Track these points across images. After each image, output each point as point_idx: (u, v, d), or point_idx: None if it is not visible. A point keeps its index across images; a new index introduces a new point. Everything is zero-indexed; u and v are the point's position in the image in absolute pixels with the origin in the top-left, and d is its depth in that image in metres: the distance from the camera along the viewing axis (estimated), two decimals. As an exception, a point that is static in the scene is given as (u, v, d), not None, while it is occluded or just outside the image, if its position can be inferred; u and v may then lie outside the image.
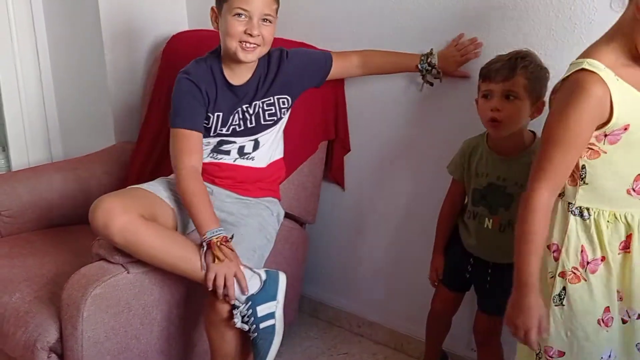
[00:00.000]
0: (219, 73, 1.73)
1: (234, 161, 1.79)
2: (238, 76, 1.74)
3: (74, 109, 2.56)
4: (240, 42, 1.65)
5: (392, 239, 2.13)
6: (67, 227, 2.15)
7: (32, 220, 2.12)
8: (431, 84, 1.84)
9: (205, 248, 1.57)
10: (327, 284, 2.34)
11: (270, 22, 1.67)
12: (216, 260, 1.54)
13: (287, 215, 2.01)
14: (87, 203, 2.16)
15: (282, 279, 1.64)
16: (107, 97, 2.37)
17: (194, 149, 1.69)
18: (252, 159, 1.80)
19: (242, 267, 1.58)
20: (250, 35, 1.64)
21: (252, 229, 1.72)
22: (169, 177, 1.83)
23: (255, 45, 1.66)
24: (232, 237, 1.60)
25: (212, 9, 1.72)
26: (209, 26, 1.74)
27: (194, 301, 1.75)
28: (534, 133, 1.60)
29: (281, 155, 1.89)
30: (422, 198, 2.00)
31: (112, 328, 1.61)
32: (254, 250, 1.69)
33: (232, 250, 1.57)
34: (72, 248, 1.95)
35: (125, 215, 1.54)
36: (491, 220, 1.61)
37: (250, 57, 1.68)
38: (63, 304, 1.59)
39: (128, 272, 1.62)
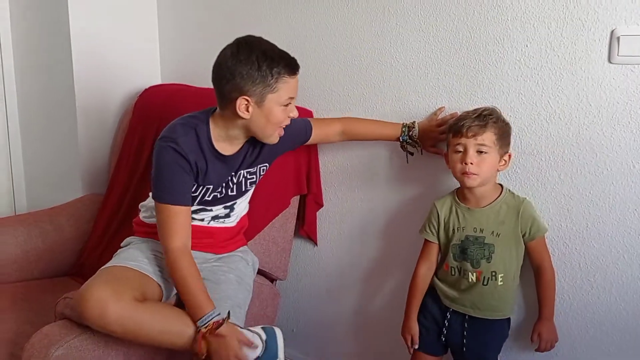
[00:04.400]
0: (207, 143, 1.63)
1: (208, 223, 1.77)
2: (229, 147, 1.68)
3: (41, 160, 2.52)
4: (281, 127, 1.64)
5: (366, 296, 2.10)
6: (29, 282, 2.07)
7: (-8, 275, 2.04)
8: (412, 154, 1.86)
9: (200, 335, 1.53)
10: (299, 343, 2.27)
11: None
12: (207, 347, 1.51)
13: (257, 271, 1.97)
14: (50, 257, 2.15)
15: (279, 334, 1.62)
16: (76, 149, 2.33)
17: (183, 226, 1.61)
18: (224, 221, 1.79)
19: (243, 332, 1.56)
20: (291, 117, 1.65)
21: (233, 284, 1.70)
22: (142, 238, 1.78)
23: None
24: (228, 316, 1.55)
25: (244, 98, 1.55)
26: (182, 80, 1.73)
27: (162, 361, 1.69)
28: (501, 185, 1.67)
29: (247, 210, 1.87)
30: (396, 256, 1.98)
31: (74, 392, 1.54)
32: (239, 307, 1.66)
33: (225, 334, 1.52)
34: (34, 305, 1.87)
35: (119, 302, 1.47)
36: (474, 274, 1.64)
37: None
38: (22, 366, 1.51)
39: (93, 333, 1.55)
